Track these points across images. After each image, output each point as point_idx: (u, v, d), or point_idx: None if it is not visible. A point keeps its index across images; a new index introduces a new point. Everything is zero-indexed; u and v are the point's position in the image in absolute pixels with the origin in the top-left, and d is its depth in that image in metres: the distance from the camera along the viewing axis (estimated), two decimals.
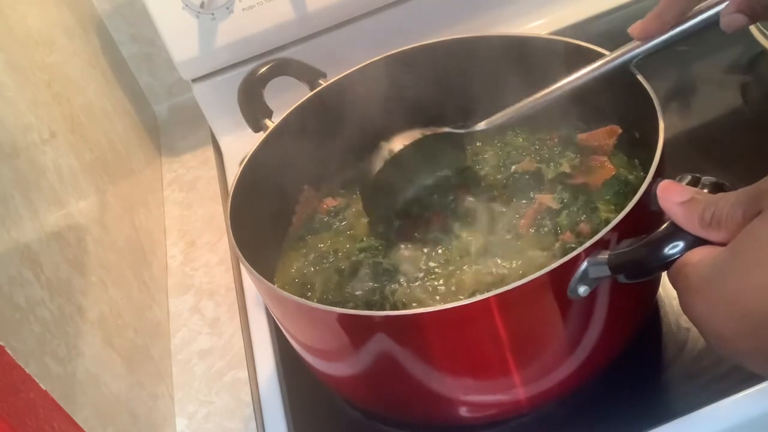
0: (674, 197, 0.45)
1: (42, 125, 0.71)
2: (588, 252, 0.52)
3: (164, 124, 1.27)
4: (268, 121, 0.79)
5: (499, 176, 0.75)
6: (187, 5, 0.98)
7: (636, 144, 0.70)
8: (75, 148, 0.78)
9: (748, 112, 0.91)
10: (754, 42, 0.87)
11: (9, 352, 0.47)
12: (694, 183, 0.47)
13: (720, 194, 0.44)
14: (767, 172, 0.79)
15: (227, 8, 1.00)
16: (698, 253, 0.43)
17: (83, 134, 0.83)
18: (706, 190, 0.46)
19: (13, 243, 0.55)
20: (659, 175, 0.56)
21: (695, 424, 0.60)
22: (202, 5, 0.98)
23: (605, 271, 0.51)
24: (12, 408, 0.44)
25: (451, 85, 0.81)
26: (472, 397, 0.60)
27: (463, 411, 0.62)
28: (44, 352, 0.54)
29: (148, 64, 1.25)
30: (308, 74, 0.81)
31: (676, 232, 0.45)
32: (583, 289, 0.52)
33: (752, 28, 0.88)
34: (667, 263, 0.45)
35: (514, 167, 0.75)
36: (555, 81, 0.70)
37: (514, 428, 0.64)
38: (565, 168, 0.73)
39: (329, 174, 0.82)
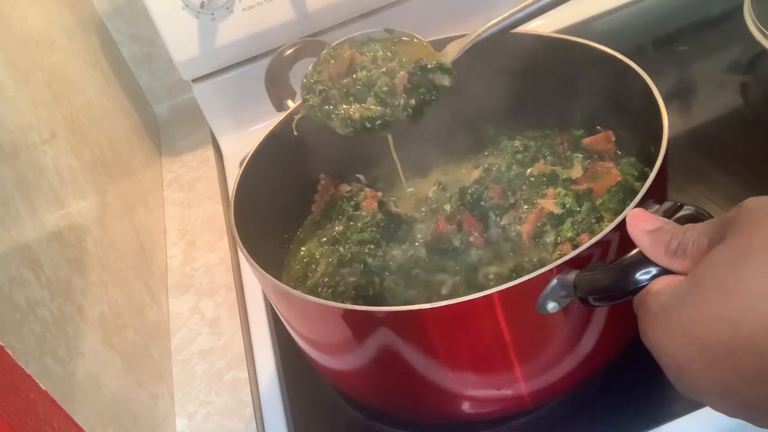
0: (642, 225, 0.45)
1: (42, 125, 0.71)
2: (559, 269, 0.51)
3: (164, 124, 1.27)
4: (290, 102, 0.79)
5: (514, 180, 0.74)
6: (187, 5, 0.98)
7: (643, 149, 0.70)
8: (75, 148, 0.78)
9: (748, 112, 0.91)
10: (754, 42, 0.87)
11: (9, 352, 0.47)
12: (675, 210, 0.47)
13: (688, 225, 0.43)
14: (767, 172, 0.80)
15: (227, 8, 1.00)
16: (660, 282, 0.43)
17: (83, 134, 0.83)
18: (680, 221, 0.45)
19: (13, 243, 0.55)
20: (660, 181, 0.56)
21: (695, 424, 0.60)
22: (202, 5, 0.98)
23: (572, 292, 0.50)
24: (12, 408, 0.44)
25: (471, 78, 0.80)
26: (475, 392, 0.60)
27: (466, 407, 0.62)
28: (44, 352, 0.54)
29: (148, 64, 1.25)
30: None
31: (643, 260, 0.44)
32: (552, 306, 0.52)
33: (752, 28, 0.88)
34: (633, 290, 0.45)
35: (529, 171, 0.74)
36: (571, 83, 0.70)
37: (514, 427, 0.64)
38: (577, 170, 0.72)
39: (345, 162, 0.82)
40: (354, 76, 0.69)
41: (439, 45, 0.74)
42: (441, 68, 0.69)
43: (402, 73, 0.68)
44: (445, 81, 0.68)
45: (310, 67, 0.72)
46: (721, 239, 0.39)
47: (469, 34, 0.70)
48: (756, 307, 0.36)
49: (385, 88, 0.68)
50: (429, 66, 0.68)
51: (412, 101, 0.68)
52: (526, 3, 0.66)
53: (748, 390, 0.38)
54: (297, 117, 0.71)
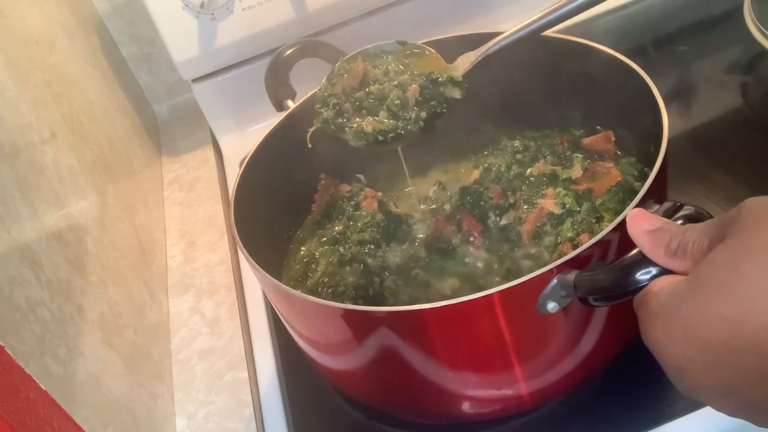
0: (642, 225, 0.45)
1: (42, 125, 0.71)
2: (559, 269, 0.51)
3: (164, 124, 1.27)
4: (290, 102, 0.79)
5: (514, 180, 0.74)
6: (187, 5, 0.98)
7: (643, 149, 0.70)
8: (75, 148, 0.78)
9: (748, 112, 0.91)
10: (754, 42, 0.87)
11: (9, 352, 0.47)
12: (675, 210, 0.47)
13: (688, 225, 0.43)
14: (767, 171, 0.80)
15: (227, 8, 1.00)
16: (661, 282, 0.43)
17: (83, 134, 0.83)
18: (680, 221, 0.45)
19: (13, 243, 0.55)
20: (660, 181, 0.56)
21: (695, 424, 0.61)
22: (202, 5, 0.98)
23: (572, 292, 0.50)
24: (12, 408, 0.44)
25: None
26: (475, 392, 0.60)
27: (466, 407, 0.62)
28: (44, 352, 0.54)
29: (148, 64, 1.25)
30: (336, 57, 0.81)
31: (643, 259, 0.44)
32: (552, 306, 0.52)
33: (752, 28, 0.88)
34: (633, 290, 0.45)
35: (528, 171, 0.74)
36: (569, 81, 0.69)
37: (514, 427, 0.64)
38: (577, 170, 0.72)
39: (345, 161, 0.82)
40: (367, 89, 0.70)
41: (443, 45, 0.74)
42: (452, 81, 0.69)
43: (414, 86, 0.69)
44: (456, 94, 0.69)
45: (324, 80, 0.73)
46: (722, 239, 0.39)
47: (491, 33, 0.70)
48: (756, 308, 0.36)
49: (397, 102, 0.68)
50: (440, 79, 0.69)
51: (424, 114, 0.68)
52: (534, 17, 0.67)
53: (748, 389, 0.38)
54: (311, 129, 0.72)
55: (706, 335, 0.38)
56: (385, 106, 0.68)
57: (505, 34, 0.68)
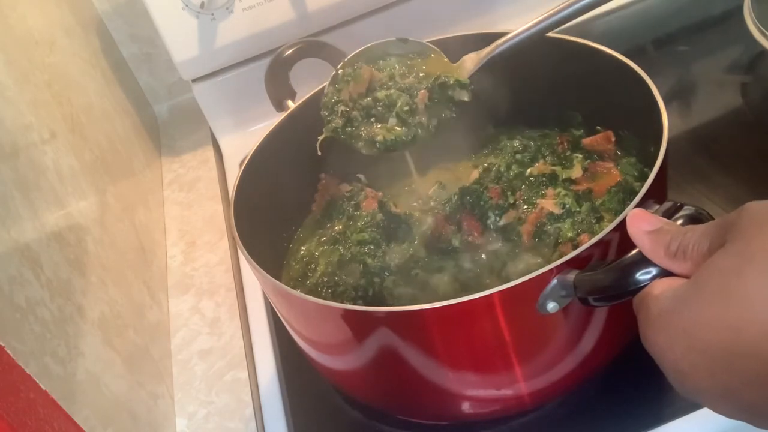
0: (642, 225, 0.45)
1: (42, 125, 0.71)
2: (559, 269, 0.51)
3: (164, 124, 1.27)
4: (290, 102, 0.79)
5: (514, 180, 0.74)
6: (187, 5, 0.98)
7: (643, 149, 0.70)
8: (75, 148, 0.78)
9: (748, 112, 0.91)
10: (754, 42, 0.87)
11: (9, 352, 0.47)
12: (675, 210, 0.47)
13: (689, 226, 0.43)
14: (767, 172, 0.80)
15: (227, 8, 1.00)
16: (661, 285, 0.43)
17: (83, 134, 0.83)
18: (680, 221, 0.45)
19: (13, 243, 0.55)
20: (660, 181, 0.56)
21: (695, 424, 0.61)
22: (202, 5, 0.98)
23: (572, 292, 0.51)
24: (12, 408, 0.44)
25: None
26: (475, 392, 0.60)
27: (466, 407, 0.62)
28: (44, 352, 0.54)
29: (148, 64, 1.25)
30: (336, 57, 0.81)
31: (643, 260, 0.44)
32: (552, 306, 0.52)
33: (752, 28, 0.88)
34: (632, 290, 0.45)
35: (528, 171, 0.74)
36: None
37: (514, 427, 0.64)
38: (577, 171, 0.72)
39: (345, 161, 0.81)
40: (374, 95, 0.70)
41: (444, 45, 0.74)
42: (459, 84, 0.70)
43: (423, 92, 0.69)
44: (464, 96, 0.70)
45: (328, 85, 0.73)
46: (722, 243, 0.39)
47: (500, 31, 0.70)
48: (757, 312, 0.36)
49: (405, 108, 0.69)
50: (448, 82, 0.70)
51: (434, 120, 0.69)
52: (538, 18, 0.67)
53: (748, 393, 0.38)
54: (320, 138, 0.72)
55: (707, 339, 0.38)
56: (394, 113, 0.69)
57: (509, 36, 0.68)
